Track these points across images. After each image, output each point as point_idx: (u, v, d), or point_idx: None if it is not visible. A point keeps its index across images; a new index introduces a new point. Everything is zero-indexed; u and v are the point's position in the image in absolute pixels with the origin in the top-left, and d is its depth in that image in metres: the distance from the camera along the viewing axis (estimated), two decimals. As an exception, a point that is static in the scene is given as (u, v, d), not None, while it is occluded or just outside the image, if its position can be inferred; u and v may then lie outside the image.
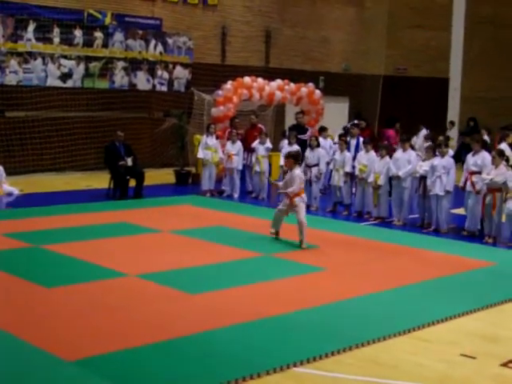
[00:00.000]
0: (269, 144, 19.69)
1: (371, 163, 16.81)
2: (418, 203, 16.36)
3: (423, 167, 15.81)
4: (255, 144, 19.61)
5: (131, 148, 19.41)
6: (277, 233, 14.04)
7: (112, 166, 18.76)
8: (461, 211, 16.69)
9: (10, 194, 18.56)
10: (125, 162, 18.64)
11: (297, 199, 13.57)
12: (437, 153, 15.84)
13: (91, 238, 13.63)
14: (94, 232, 14.19)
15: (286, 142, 19.64)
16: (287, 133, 19.99)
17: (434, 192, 15.43)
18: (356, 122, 21.67)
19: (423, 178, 15.81)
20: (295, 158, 13.97)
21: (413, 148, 17.59)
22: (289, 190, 13.56)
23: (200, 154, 19.75)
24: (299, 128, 20.35)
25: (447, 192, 15.38)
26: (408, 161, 16.23)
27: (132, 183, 18.71)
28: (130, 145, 19.54)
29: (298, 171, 13.78)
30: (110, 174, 18.92)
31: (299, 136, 19.39)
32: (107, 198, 18.48)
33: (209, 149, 19.53)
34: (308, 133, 20.66)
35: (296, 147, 18.07)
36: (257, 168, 19.51)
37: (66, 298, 9.75)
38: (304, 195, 13.85)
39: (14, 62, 21.65)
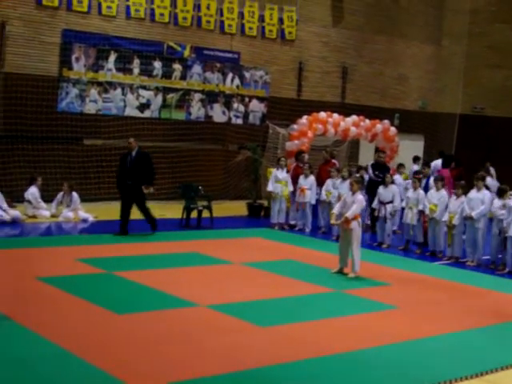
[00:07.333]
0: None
1: (442, 202, 16.61)
2: (491, 244, 16.08)
3: (500, 210, 15.53)
4: (327, 180, 19.50)
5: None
6: (341, 270, 14.00)
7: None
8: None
9: (84, 220, 18.87)
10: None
11: (353, 223, 13.67)
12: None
13: (163, 266, 13.74)
14: (167, 261, 14.31)
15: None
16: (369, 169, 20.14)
17: (509, 233, 15.14)
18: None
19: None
20: (362, 183, 14.73)
21: (487, 188, 17.27)
22: (348, 214, 13.69)
23: (270, 187, 19.77)
24: (379, 166, 20.15)
25: (523, 234, 15.10)
26: (482, 201, 15.97)
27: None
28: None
29: (361, 196, 14.08)
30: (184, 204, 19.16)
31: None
32: (180, 228, 18.62)
33: (279, 182, 19.55)
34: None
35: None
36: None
37: (136, 326, 9.81)
38: (360, 219, 14.01)
39: (94, 92, 22.10)
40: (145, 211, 17.47)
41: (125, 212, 17.16)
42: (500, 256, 15.78)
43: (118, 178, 17.63)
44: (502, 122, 29.86)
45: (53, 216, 18.97)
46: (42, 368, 8.04)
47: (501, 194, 15.88)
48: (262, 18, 25.72)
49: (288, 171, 19.93)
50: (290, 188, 19.58)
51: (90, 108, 22.13)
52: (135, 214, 19.80)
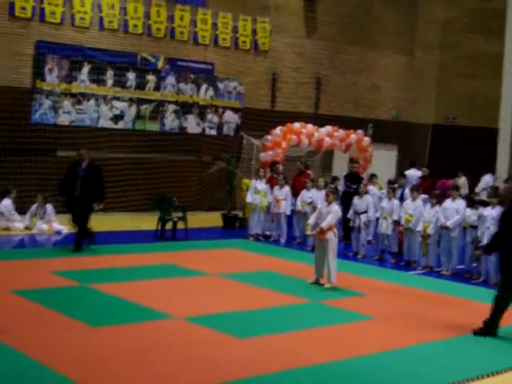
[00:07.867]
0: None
1: (418, 212, 16.68)
2: (465, 253, 16.17)
3: (474, 216, 15.70)
4: (302, 190, 19.50)
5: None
6: (317, 280, 14.01)
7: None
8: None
9: (58, 233, 18.76)
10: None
11: (329, 233, 13.70)
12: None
13: (138, 278, 13.66)
14: (142, 273, 14.23)
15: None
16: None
17: (482, 243, 15.23)
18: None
19: (473, 227, 15.68)
20: (337, 193, 14.78)
21: (462, 197, 17.38)
22: (323, 224, 13.71)
23: (249, 199, 19.77)
24: (352, 177, 20.21)
25: (494, 243, 15.15)
26: (456, 210, 16.07)
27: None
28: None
29: (336, 207, 14.16)
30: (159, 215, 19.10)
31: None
32: (155, 240, 18.56)
33: (258, 193, 19.55)
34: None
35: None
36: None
37: (112, 339, 9.74)
38: (336, 230, 14.04)
39: (67, 103, 22.01)
40: (84, 225, 16.64)
41: (82, 223, 16.63)
42: (474, 265, 15.89)
43: (61, 186, 16.93)
44: (474, 131, 30.06)
45: (27, 228, 18.85)
46: (15, 382, 7.96)
47: (472, 204, 16.06)
48: (235, 29, 25.76)
49: (267, 182, 19.92)
50: (270, 199, 19.58)
51: (63, 119, 22.03)
52: (108, 225, 19.76)
